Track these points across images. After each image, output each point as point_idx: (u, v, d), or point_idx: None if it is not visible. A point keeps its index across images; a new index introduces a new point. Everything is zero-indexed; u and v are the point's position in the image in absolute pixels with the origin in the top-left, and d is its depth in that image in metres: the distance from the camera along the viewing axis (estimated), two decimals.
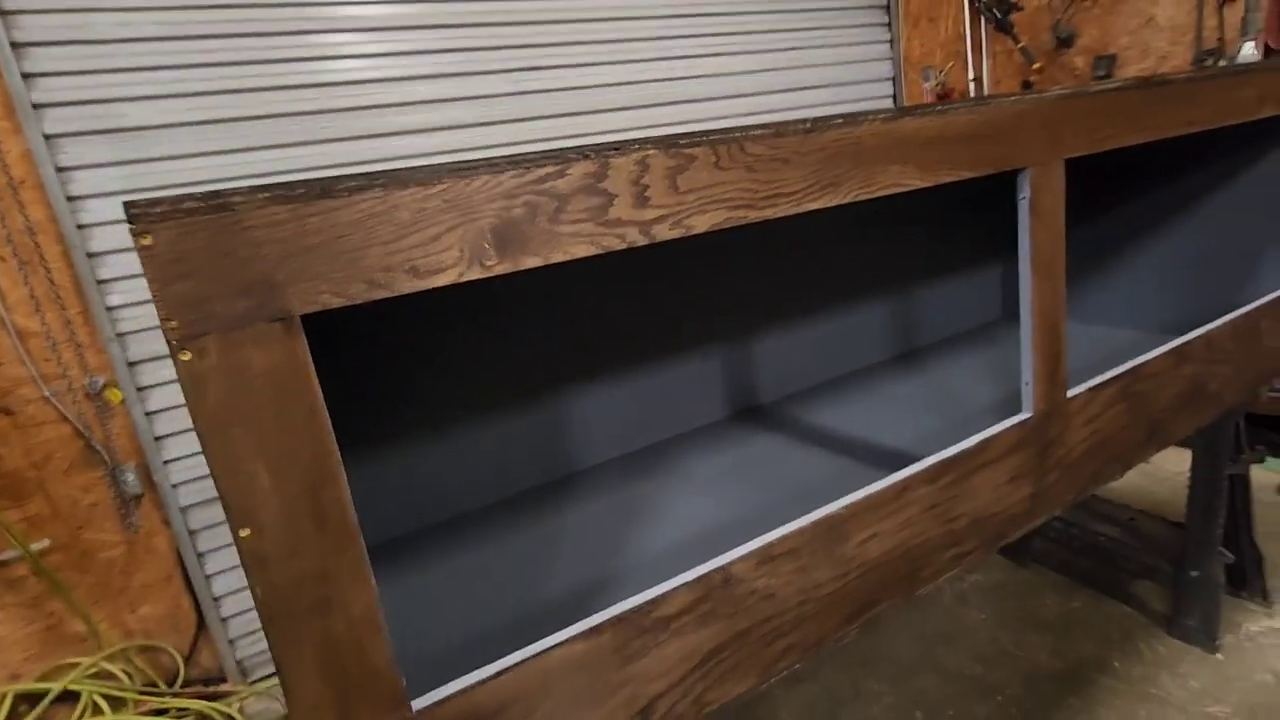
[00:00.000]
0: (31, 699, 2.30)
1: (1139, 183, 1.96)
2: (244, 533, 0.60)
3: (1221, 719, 1.74)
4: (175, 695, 2.42)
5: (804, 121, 0.84)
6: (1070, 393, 1.22)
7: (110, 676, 2.40)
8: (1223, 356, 1.50)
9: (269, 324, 0.59)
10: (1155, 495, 2.71)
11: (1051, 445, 1.20)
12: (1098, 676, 1.93)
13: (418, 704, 0.71)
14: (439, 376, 1.41)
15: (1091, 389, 1.24)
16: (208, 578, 2.37)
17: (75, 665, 2.37)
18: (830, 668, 2.12)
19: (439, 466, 1.46)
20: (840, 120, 0.87)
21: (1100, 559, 2.25)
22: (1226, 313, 1.52)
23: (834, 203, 0.87)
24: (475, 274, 0.66)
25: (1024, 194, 1.08)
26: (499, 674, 0.74)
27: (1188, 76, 1.29)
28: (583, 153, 0.70)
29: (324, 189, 0.59)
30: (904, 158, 0.93)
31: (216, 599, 2.39)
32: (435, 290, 0.66)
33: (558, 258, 0.70)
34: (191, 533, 2.34)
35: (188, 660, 2.46)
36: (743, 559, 0.89)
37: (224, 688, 2.42)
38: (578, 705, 0.80)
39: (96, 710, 2.31)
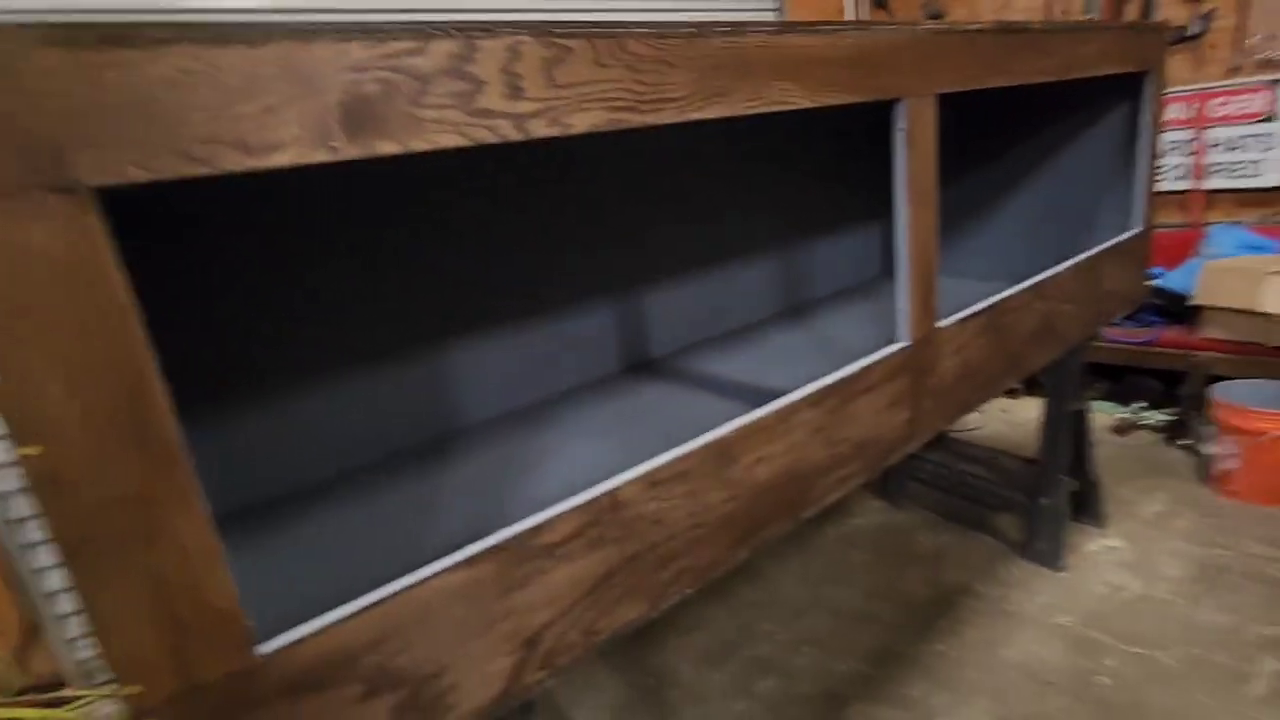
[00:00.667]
0: None
1: (993, 145, 2.10)
2: (30, 450, 0.50)
3: (1066, 626, 1.93)
4: (6, 706, 2.14)
5: (688, 25, 0.81)
6: (942, 323, 1.28)
7: None
8: (1069, 296, 1.63)
9: (50, 194, 0.49)
10: (1012, 439, 2.97)
11: (926, 372, 1.26)
12: (963, 600, 2.09)
13: (265, 648, 0.63)
14: (313, 325, 1.28)
15: (960, 320, 1.31)
16: (36, 572, 2.09)
17: None
18: (721, 613, 2.17)
19: (309, 424, 1.34)
20: (726, 28, 0.84)
21: (966, 496, 2.44)
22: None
23: (722, 113, 0.85)
24: (320, 155, 0.58)
25: (901, 125, 1.10)
26: (366, 609, 0.68)
27: (1042, 26, 1.37)
28: (445, 29, 0.63)
29: (120, 36, 0.49)
30: (790, 74, 0.92)
31: (49, 595, 2.12)
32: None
33: (420, 146, 0.63)
34: (9, 522, 2.04)
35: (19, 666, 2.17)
36: (632, 482, 0.87)
37: (65, 693, 2.16)
38: (459, 637, 0.75)
39: None
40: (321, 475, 1.36)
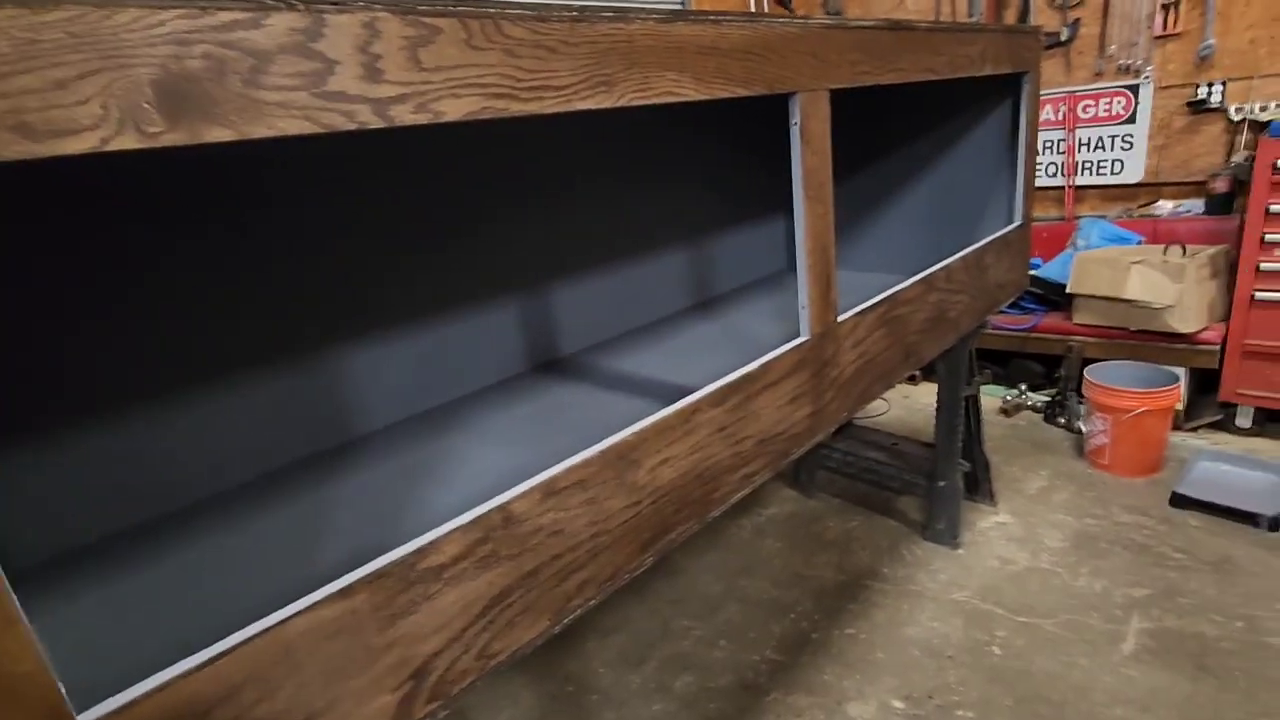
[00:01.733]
0: None
1: (887, 142, 2.17)
2: None
3: (963, 602, 2.03)
4: None
5: (570, 8, 0.76)
6: (840, 317, 1.29)
7: None
8: (959, 287, 1.70)
9: None
10: (912, 423, 3.11)
11: (827, 366, 1.28)
12: (871, 582, 2.16)
13: (89, 715, 0.54)
14: (176, 336, 1.15)
15: (858, 313, 1.33)
16: None
17: None
18: (640, 612, 2.15)
19: (173, 444, 1.20)
20: (610, 13, 0.80)
21: (872, 481, 2.52)
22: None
23: (607, 104, 0.81)
24: (131, 142, 0.50)
25: (795, 119, 1.10)
26: (215, 658, 0.60)
27: (929, 25, 1.41)
28: (286, 1, 0.56)
29: None
30: (680, 65, 0.89)
31: None
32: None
33: (260, 132, 0.56)
34: None
35: None
36: (524, 495, 0.82)
37: None
38: (335, 676, 0.68)
39: None
40: (187, 503, 1.23)
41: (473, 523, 0.77)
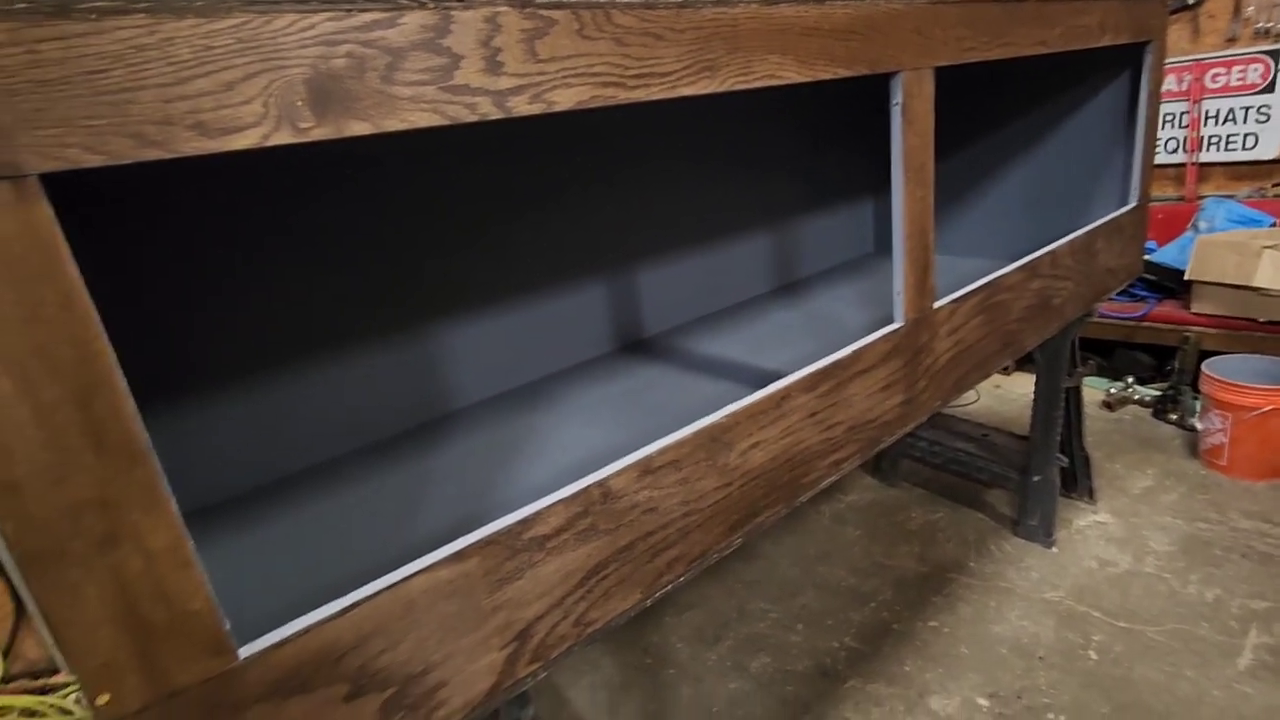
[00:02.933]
0: None
1: (989, 119, 2.06)
2: None
3: (1055, 602, 1.95)
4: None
5: None
6: (937, 303, 1.26)
7: None
8: (1065, 273, 1.61)
9: None
10: (1004, 414, 2.97)
11: (920, 353, 1.24)
12: (956, 576, 2.10)
13: (246, 650, 0.61)
14: (289, 312, 1.24)
15: (955, 300, 1.29)
16: None
17: None
18: (717, 593, 2.18)
19: (293, 412, 1.30)
20: None
21: (958, 473, 2.44)
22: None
23: (710, 89, 0.81)
24: (286, 137, 0.55)
25: (897, 99, 1.07)
26: (350, 608, 0.66)
27: None
28: (418, 1, 0.60)
29: (59, 6, 0.46)
30: (782, 47, 0.88)
31: None
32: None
33: (393, 125, 0.60)
34: None
35: (8, 654, 2.16)
36: (622, 472, 0.84)
37: (56, 679, 2.15)
38: (448, 633, 0.73)
39: None
40: (306, 466, 1.33)
41: (574, 496, 0.81)
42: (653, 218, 1.79)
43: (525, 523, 0.77)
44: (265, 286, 1.19)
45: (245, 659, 0.61)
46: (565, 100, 0.70)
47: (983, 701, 1.67)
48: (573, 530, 0.81)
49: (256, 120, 0.54)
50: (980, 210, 2.14)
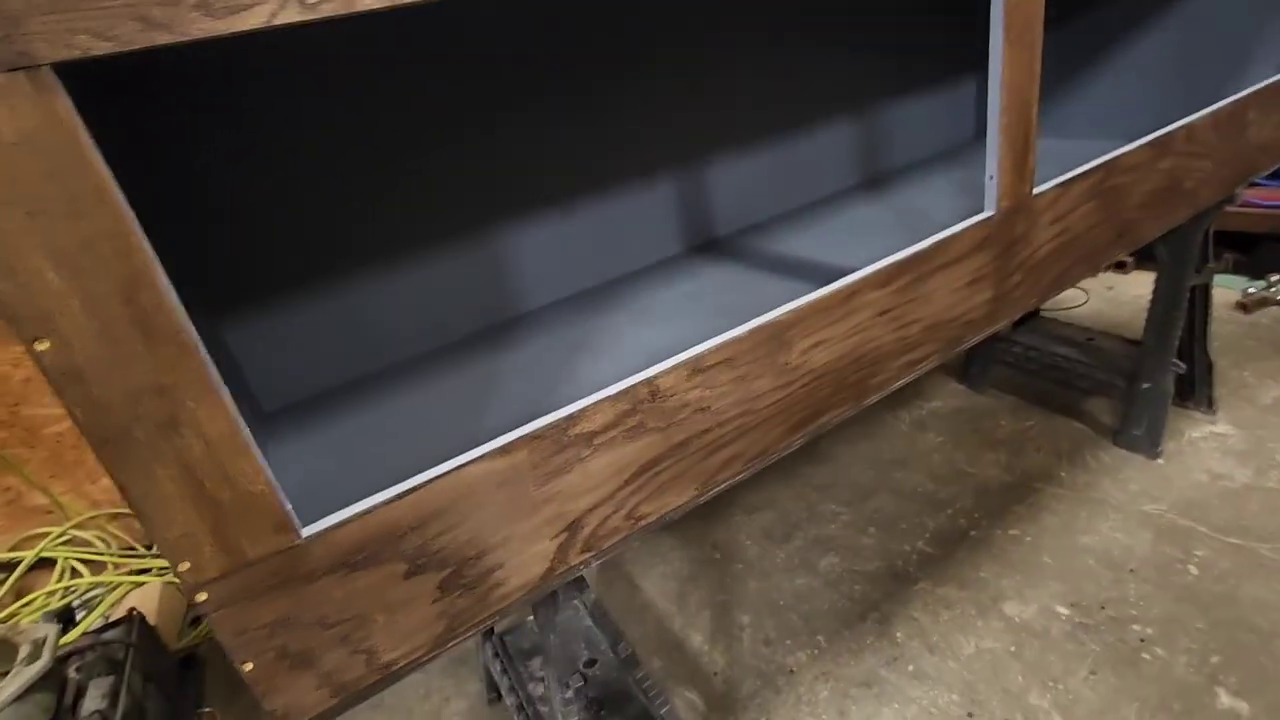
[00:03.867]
0: (7, 568, 2.31)
1: None
2: (41, 345, 0.50)
3: (1155, 515, 1.83)
4: (157, 555, 2.45)
5: None
6: (1038, 189, 1.12)
7: (84, 544, 2.42)
8: (1204, 150, 1.39)
9: (9, 75, 0.45)
10: (1116, 318, 2.72)
11: (1016, 245, 1.12)
12: (1044, 486, 2.00)
13: (310, 529, 0.65)
14: (361, 213, 1.26)
15: (1061, 184, 1.14)
16: None
17: (45, 535, 2.37)
18: (786, 494, 2.18)
19: (372, 314, 1.35)
20: None
21: (1056, 379, 2.28)
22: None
23: None
24: (294, 14, 0.52)
25: None
26: (404, 494, 0.69)
27: None
28: None
29: None
30: None
31: None
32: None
33: None
34: None
35: None
36: (671, 371, 0.82)
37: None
38: (500, 520, 0.76)
39: (75, 575, 2.34)
40: (379, 365, 1.39)
41: (620, 394, 0.79)
42: (725, 106, 1.67)
43: (572, 419, 0.77)
44: (342, 193, 1.20)
45: (308, 537, 0.65)
46: None
47: (1062, 610, 1.62)
48: (621, 427, 0.81)
49: None
50: (1101, 84, 1.87)
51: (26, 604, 2.21)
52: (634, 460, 0.83)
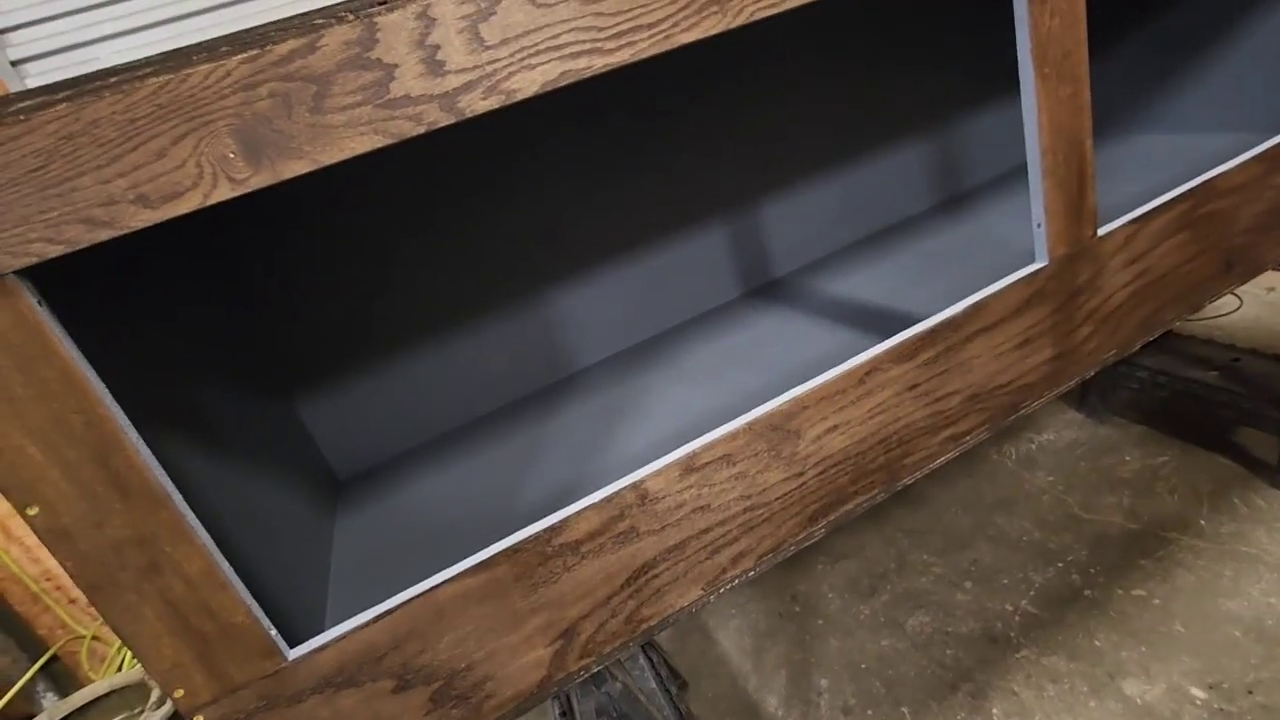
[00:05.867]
0: None
1: None
2: (32, 511, 0.56)
3: None
4: None
5: None
6: (1104, 229, 0.98)
7: None
8: None
9: None
10: (1274, 327, 2.33)
11: (1079, 295, 0.99)
12: (1178, 536, 1.73)
13: (295, 653, 0.68)
14: (415, 290, 1.34)
15: (1135, 221, 0.99)
16: None
17: None
18: (875, 540, 2.04)
19: (428, 385, 1.43)
20: None
21: (1195, 408, 1.98)
22: None
23: (721, 27, 0.67)
24: (226, 192, 0.55)
25: None
26: (382, 615, 0.71)
27: None
28: (335, 15, 0.55)
29: None
30: None
31: None
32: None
33: (332, 158, 0.58)
34: None
35: None
36: (660, 473, 0.79)
37: None
38: (486, 633, 0.76)
39: None
40: (441, 430, 1.46)
41: (605, 501, 0.77)
42: (778, 138, 1.61)
43: (554, 529, 0.76)
44: (399, 270, 1.30)
45: (294, 659, 0.68)
46: (528, 85, 0.62)
47: (1198, 692, 1.39)
48: (609, 534, 0.79)
49: (194, 182, 0.54)
50: (1223, 70, 1.61)
51: None
52: (626, 565, 0.81)
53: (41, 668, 2.18)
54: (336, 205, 1.23)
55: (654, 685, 1.52)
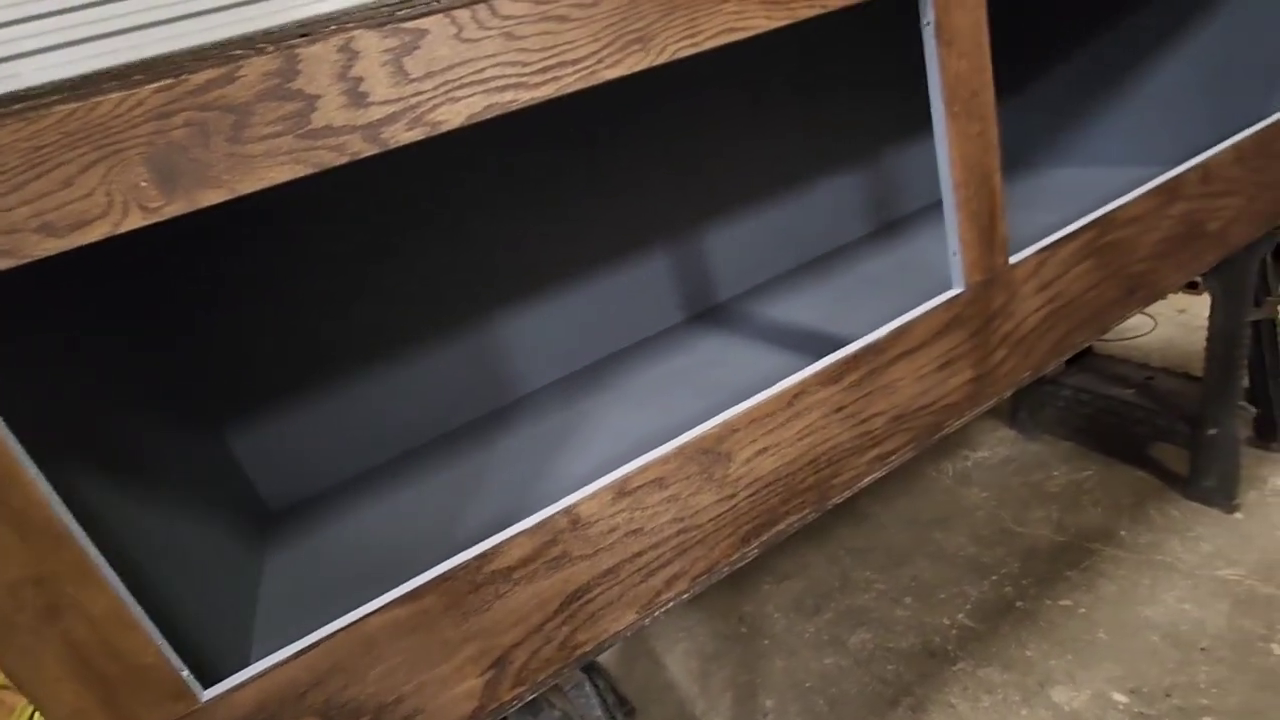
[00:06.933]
0: None
1: None
2: None
3: (1233, 581, 1.62)
4: None
5: None
6: (1016, 257, 1.04)
7: None
8: (1227, 187, 1.26)
9: None
10: (1186, 347, 2.48)
11: (994, 319, 1.04)
12: (1101, 547, 1.82)
13: (210, 693, 0.66)
14: (353, 316, 1.32)
15: (1044, 250, 1.06)
16: None
17: None
18: (818, 559, 2.08)
19: (366, 411, 1.40)
20: None
21: (1114, 424, 2.08)
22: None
23: (644, 65, 0.70)
24: (137, 220, 0.54)
25: (927, 18, 0.86)
26: (304, 650, 0.69)
27: None
28: (254, 46, 0.55)
29: None
30: None
31: None
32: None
33: (251, 186, 0.57)
34: None
35: None
36: (592, 497, 0.80)
37: None
38: (416, 664, 0.75)
39: None
40: (381, 458, 1.43)
41: (538, 527, 0.77)
42: (718, 168, 1.65)
43: (484, 557, 0.75)
44: (333, 294, 1.27)
45: (208, 700, 0.66)
46: (453, 117, 0.63)
47: (1120, 697, 1.45)
48: (542, 560, 0.79)
49: (103, 211, 0.53)
50: (1124, 108, 1.73)
51: None
52: (560, 590, 0.81)
53: None
54: (270, 230, 1.21)
55: (600, 713, 1.50)
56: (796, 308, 1.57)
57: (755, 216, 1.76)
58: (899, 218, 1.96)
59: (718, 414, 0.85)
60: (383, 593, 0.72)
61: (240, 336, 1.23)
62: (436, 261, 1.38)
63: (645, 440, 1.16)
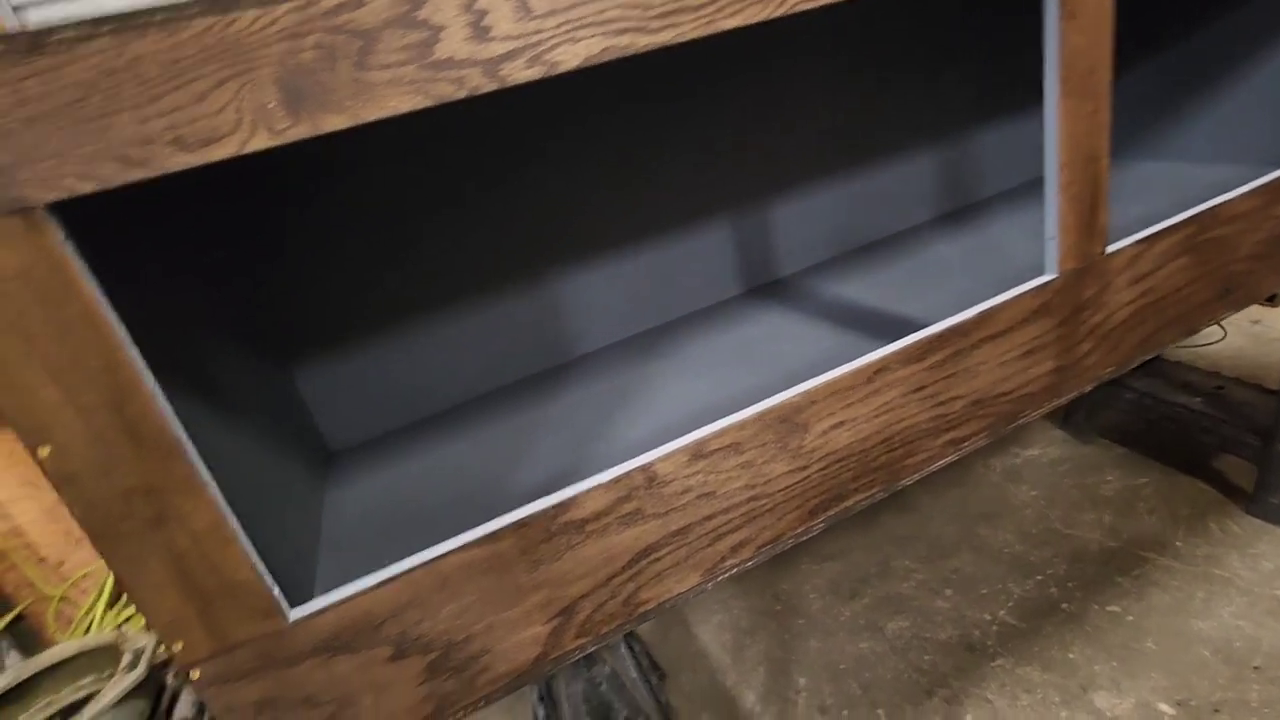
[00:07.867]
0: None
1: None
2: (43, 451, 0.55)
3: None
4: None
5: None
6: (1113, 247, 0.99)
7: None
8: None
9: (6, 218, 0.50)
10: (1257, 359, 2.38)
11: (1084, 310, 1.00)
12: (1154, 556, 1.77)
13: (296, 613, 0.68)
14: (421, 265, 1.33)
15: (1142, 241, 1.01)
16: None
17: None
18: (861, 544, 2.06)
19: (428, 360, 1.41)
20: None
21: (1178, 432, 2.02)
22: None
23: (763, 16, 0.68)
24: (263, 141, 0.55)
25: None
26: (386, 581, 0.70)
27: None
28: None
29: (32, 43, 0.48)
30: None
31: None
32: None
33: (373, 114, 0.57)
34: None
35: None
36: (670, 456, 0.79)
37: None
38: (486, 606, 0.76)
39: None
40: (439, 407, 1.45)
41: (614, 481, 0.77)
42: (790, 139, 1.62)
43: (561, 506, 0.76)
44: (408, 250, 1.28)
45: (294, 621, 0.68)
46: (571, 58, 0.62)
47: (1166, 708, 1.42)
48: (615, 514, 0.79)
49: (232, 128, 0.54)
50: (1230, 102, 1.65)
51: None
52: (629, 547, 0.81)
53: (5, 627, 2.14)
54: (349, 174, 1.22)
55: (635, 675, 1.53)
56: (858, 287, 1.54)
57: (821, 193, 1.72)
58: (969, 204, 1.91)
59: (779, 388, 0.83)
60: (439, 539, 0.73)
61: (313, 277, 1.25)
62: (502, 214, 1.38)
63: (703, 410, 1.15)
